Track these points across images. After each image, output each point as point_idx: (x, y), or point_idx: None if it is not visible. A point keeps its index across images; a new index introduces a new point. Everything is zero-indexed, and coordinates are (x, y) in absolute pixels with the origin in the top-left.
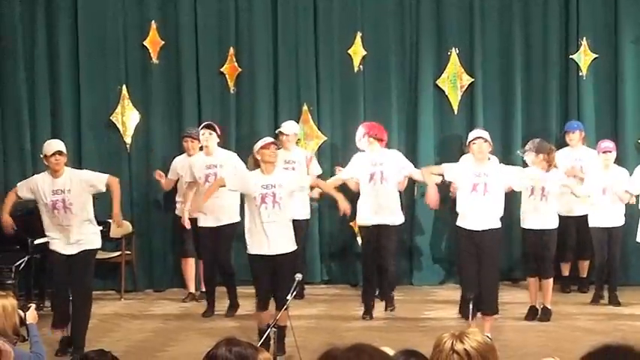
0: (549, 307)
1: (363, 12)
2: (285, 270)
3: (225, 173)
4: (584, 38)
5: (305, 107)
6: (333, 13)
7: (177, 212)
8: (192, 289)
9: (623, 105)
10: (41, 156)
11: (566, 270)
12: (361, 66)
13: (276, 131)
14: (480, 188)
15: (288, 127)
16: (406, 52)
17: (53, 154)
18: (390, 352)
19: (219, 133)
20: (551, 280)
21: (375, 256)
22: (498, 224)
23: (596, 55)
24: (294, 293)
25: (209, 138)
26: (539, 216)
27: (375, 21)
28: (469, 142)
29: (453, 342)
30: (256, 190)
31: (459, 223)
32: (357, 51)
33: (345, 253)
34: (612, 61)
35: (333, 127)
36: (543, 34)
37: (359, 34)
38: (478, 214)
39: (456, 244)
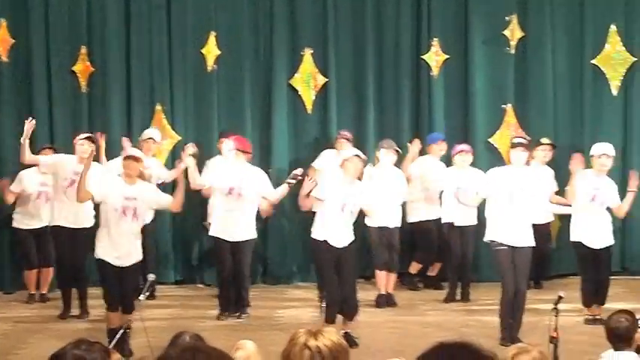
0: (392, 293)
1: (216, 11)
2: (132, 278)
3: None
4: (435, 39)
5: (158, 107)
6: (186, 11)
7: (15, 225)
8: (32, 290)
9: (474, 105)
10: None
11: (414, 268)
12: (215, 65)
13: (146, 138)
14: (347, 209)
15: (156, 133)
16: (260, 51)
17: None
18: (252, 347)
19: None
20: (394, 273)
21: (232, 267)
22: (353, 237)
23: (448, 56)
24: (147, 294)
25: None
26: (385, 213)
27: (229, 20)
28: (343, 161)
29: (307, 338)
30: (118, 200)
31: (317, 236)
32: (211, 50)
33: (199, 253)
34: (463, 62)
35: (187, 126)
36: (396, 35)
37: (213, 34)
38: (341, 232)
39: (315, 255)
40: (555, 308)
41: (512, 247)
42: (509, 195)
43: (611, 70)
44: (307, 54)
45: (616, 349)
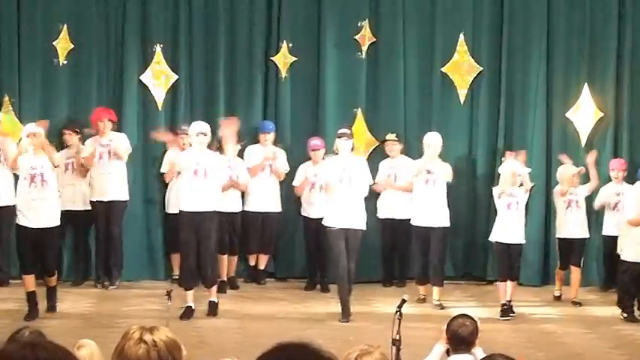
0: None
1: (68, 3)
2: (49, 242)
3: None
4: (285, 41)
5: (6, 98)
6: (36, 3)
7: None
8: None
9: (324, 108)
10: None
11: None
12: (65, 61)
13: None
14: (200, 174)
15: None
16: (111, 45)
17: None
18: (94, 345)
19: None
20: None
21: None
22: (215, 207)
23: (296, 58)
24: None
25: None
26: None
27: (80, 13)
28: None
29: (142, 332)
30: (26, 170)
31: (181, 207)
32: (63, 43)
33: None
34: (315, 65)
35: (35, 119)
36: (248, 35)
37: (64, 27)
38: (197, 197)
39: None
40: (398, 311)
41: (345, 228)
42: (338, 181)
43: (459, 78)
44: (158, 49)
45: (455, 352)
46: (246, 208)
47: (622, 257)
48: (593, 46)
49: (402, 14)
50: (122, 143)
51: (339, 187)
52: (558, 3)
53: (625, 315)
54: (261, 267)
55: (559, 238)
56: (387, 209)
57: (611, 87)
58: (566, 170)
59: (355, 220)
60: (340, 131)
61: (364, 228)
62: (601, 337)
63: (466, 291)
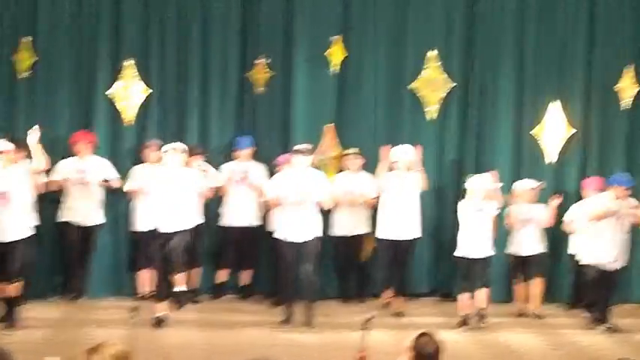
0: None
1: (36, 15)
2: (12, 254)
3: None
4: (258, 56)
5: None
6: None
7: None
8: None
9: (296, 123)
10: None
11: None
12: (26, 73)
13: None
14: (176, 192)
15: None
16: (83, 59)
17: None
18: None
19: None
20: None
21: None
22: (193, 224)
23: (274, 73)
24: None
25: None
26: None
27: (50, 25)
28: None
29: (88, 356)
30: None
31: (156, 226)
32: (26, 56)
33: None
34: (287, 79)
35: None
36: (222, 50)
37: (29, 39)
38: (170, 213)
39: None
40: (365, 328)
41: (297, 242)
42: (290, 194)
43: (430, 94)
44: (129, 63)
45: None
46: (222, 223)
47: (582, 261)
48: (563, 62)
49: (373, 29)
50: (112, 174)
51: (288, 201)
52: (529, 19)
53: (608, 326)
54: (247, 282)
55: (512, 255)
56: (342, 226)
57: (581, 103)
58: (523, 185)
59: (307, 232)
60: (295, 147)
61: (319, 235)
62: (567, 353)
63: (432, 307)
